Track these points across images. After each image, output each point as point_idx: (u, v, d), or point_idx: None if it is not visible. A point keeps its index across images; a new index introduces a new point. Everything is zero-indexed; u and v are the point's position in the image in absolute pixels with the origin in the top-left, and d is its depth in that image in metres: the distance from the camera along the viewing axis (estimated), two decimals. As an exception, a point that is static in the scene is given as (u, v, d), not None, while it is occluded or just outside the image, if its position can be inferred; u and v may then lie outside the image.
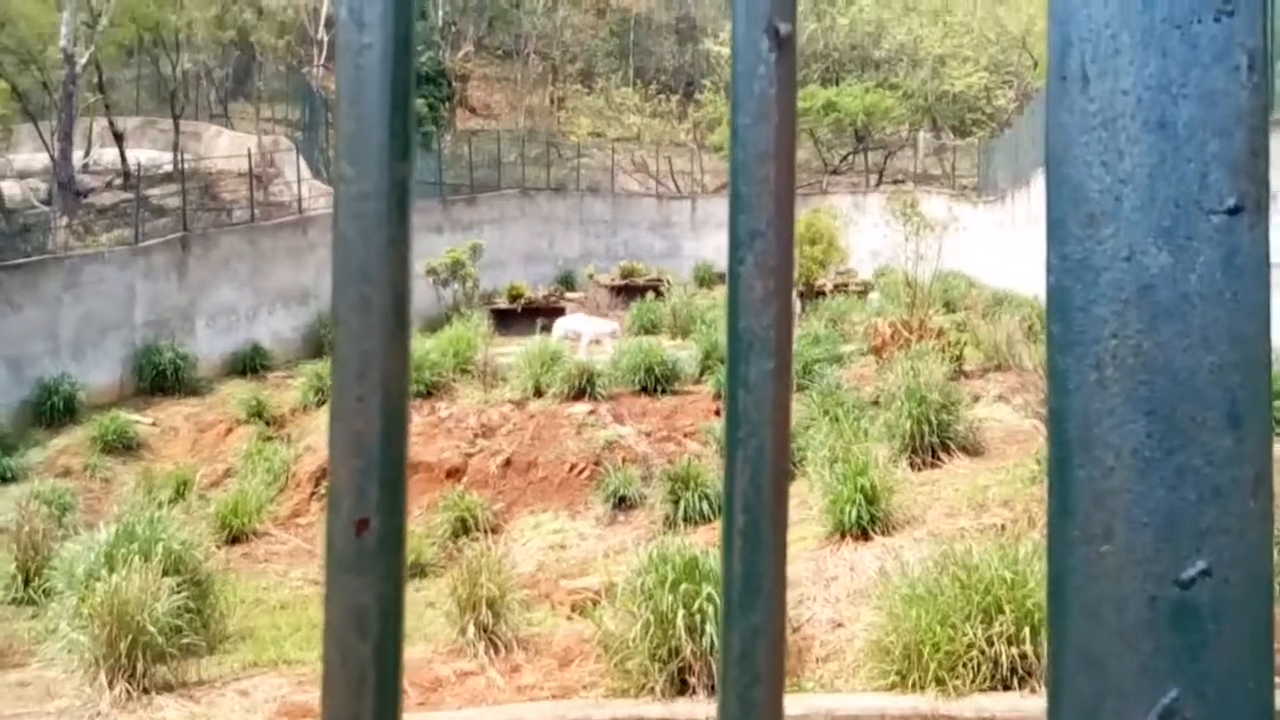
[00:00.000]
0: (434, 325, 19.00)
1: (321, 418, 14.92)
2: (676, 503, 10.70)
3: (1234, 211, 0.55)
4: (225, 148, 27.69)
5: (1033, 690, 6.42)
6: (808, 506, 9.86)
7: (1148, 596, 0.54)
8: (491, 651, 7.71)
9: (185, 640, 7.29)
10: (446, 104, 32.38)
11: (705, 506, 10.60)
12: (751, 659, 0.54)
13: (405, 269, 0.54)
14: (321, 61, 33.90)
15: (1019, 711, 6.36)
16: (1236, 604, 0.54)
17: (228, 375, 19.22)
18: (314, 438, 14.24)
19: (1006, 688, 6.46)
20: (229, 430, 15.91)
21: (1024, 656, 6.43)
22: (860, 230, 25.33)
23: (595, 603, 8.32)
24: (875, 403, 11.88)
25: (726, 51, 36.06)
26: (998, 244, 23.77)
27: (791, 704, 6.64)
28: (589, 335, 16.32)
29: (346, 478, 0.53)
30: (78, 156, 24.61)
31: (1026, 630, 6.45)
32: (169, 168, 25.40)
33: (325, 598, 0.54)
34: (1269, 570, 0.55)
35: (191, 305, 19.78)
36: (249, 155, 23.73)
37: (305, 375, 17.09)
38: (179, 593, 7.40)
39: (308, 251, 22.14)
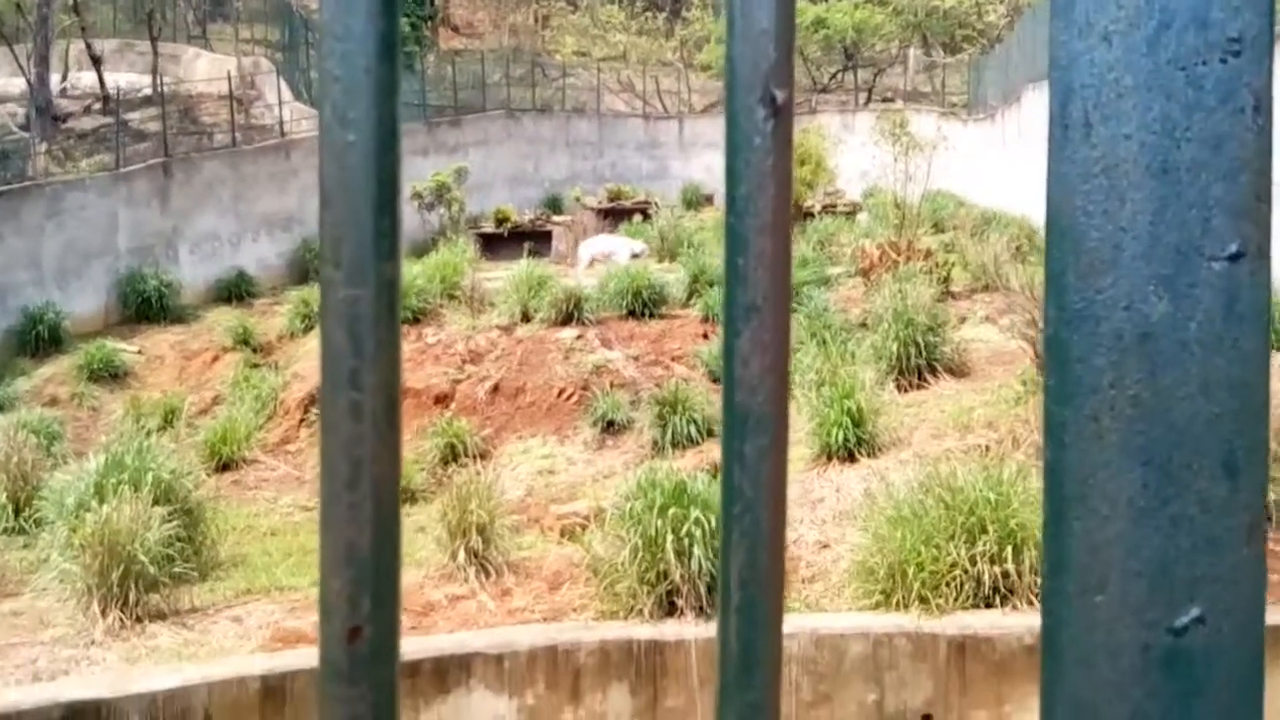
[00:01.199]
0: (420, 250, 18.87)
1: (310, 344, 14.90)
2: (665, 426, 10.76)
3: (1235, 258, 0.54)
4: (205, 70, 27.20)
5: (1014, 608, 6.53)
6: (794, 429, 9.91)
7: (1141, 644, 0.55)
8: (482, 576, 7.79)
9: (177, 568, 7.35)
10: (429, 23, 31.82)
11: (693, 430, 10.66)
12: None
13: (396, 371, 0.53)
14: (300, -21, 33.21)
15: (1000, 628, 6.47)
16: (1228, 651, 0.54)
17: (213, 302, 19.12)
18: (302, 364, 14.23)
19: (988, 605, 6.57)
20: (215, 358, 15.87)
21: (1006, 575, 6.53)
22: (849, 150, 25.11)
23: (584, 527, 8.40)
24: (863, 325, 11.90)
25: (713, -33, 35.41)
26: (987, 162, 23.62)
27: (778, 624, 6.75)
28: (623, 254, 16.43)
29: (339, 588, 0.52)
30: (55, 81, 24.15)
31: (1009, 549, 6.54)
32: (148, 91, 24.96)
33: (320, 707, 0.54)
34: (1260, 618, 0.55)
35: (175, 232, 19.60)
36: (229, 78, 23.34)
37: (291, 301, 17.01)
38: (170, 521, 7.43)
39: (291, 176, 21.89)
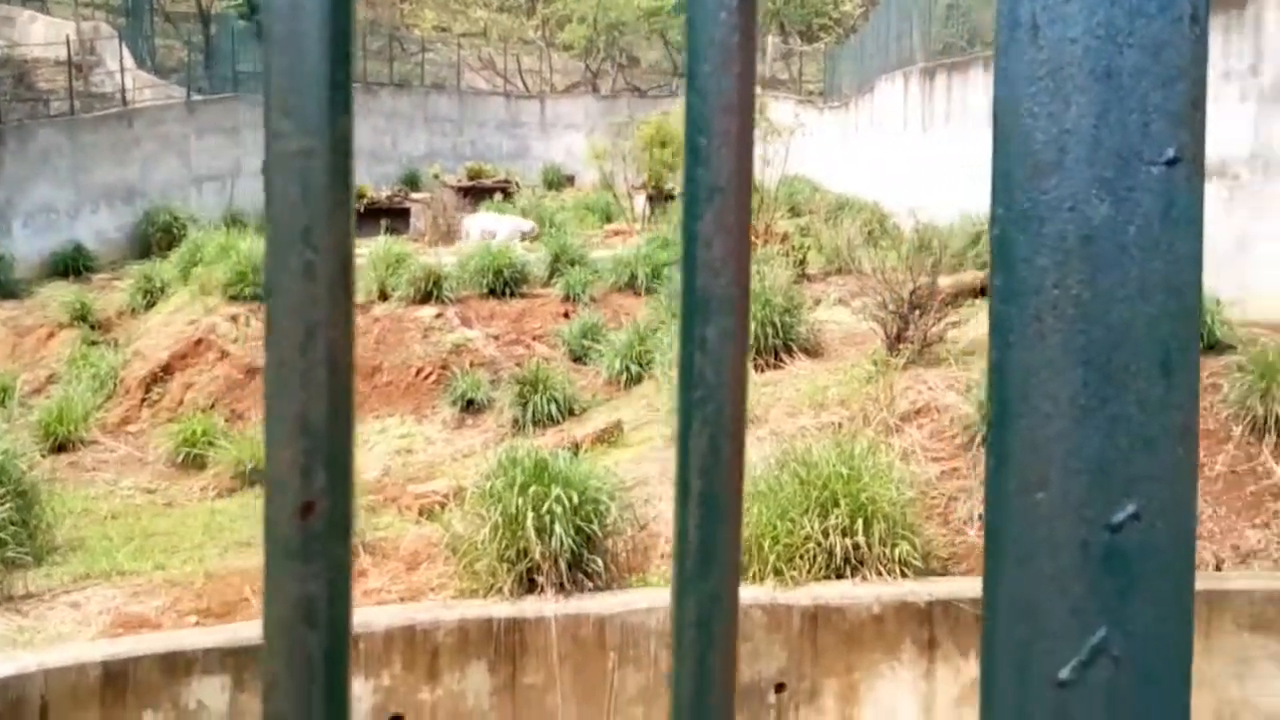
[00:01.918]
0: (272, 226, 18.26)
1: (152, 320, 14.31)
2: (525, 406, 10.70)
3: (1172, 163, 0.55)
4: (41, 34, 25.72)
5: (864, 578, 6.73)
6: (655, 408, 10.00)
7: (1080, 541, 0.56)
8: (337, 556, 7.62)
9: (9, 553, 6.98)
10: (281, -8, 30.71)
11: (554, 409, 10.63)
12: (706, 628, 0.54)
13: (349, 232, 0.50)
14: (143, -59, 31.70)
15: (851, 598, 6.67)
16: (1162, 548, 0.56)
17: (48, 277, 18.17)
18: (143, 342, 13.66)
19: (839, 576, 6.76)
20: (51, 335, 15.09)
21: (857, 547, 6.73)
22: (709, 134, 25.35)
23: (443, 506, 8.31)
24: (721, 305, 12.04)
25: (576, -54, 35.23)
26: (842, 149, 24.19)
27: (637, 598, 6.81)
28: (505, 234, 16.23)
29: (290, 459, 0.49)
30: None
31: (860, 522, 6.74)
32: (-24, 53, 23.50)
33: (266, 588, 0.51)
34: (1193, 516, 0.57)
35: (7, 203, 18.53)
36: (68, 43, 22.14)
37: (133, 277, 16.29)
38: (1, 504, 7.05)
39: (133, 146, 20.94)
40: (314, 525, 0.50)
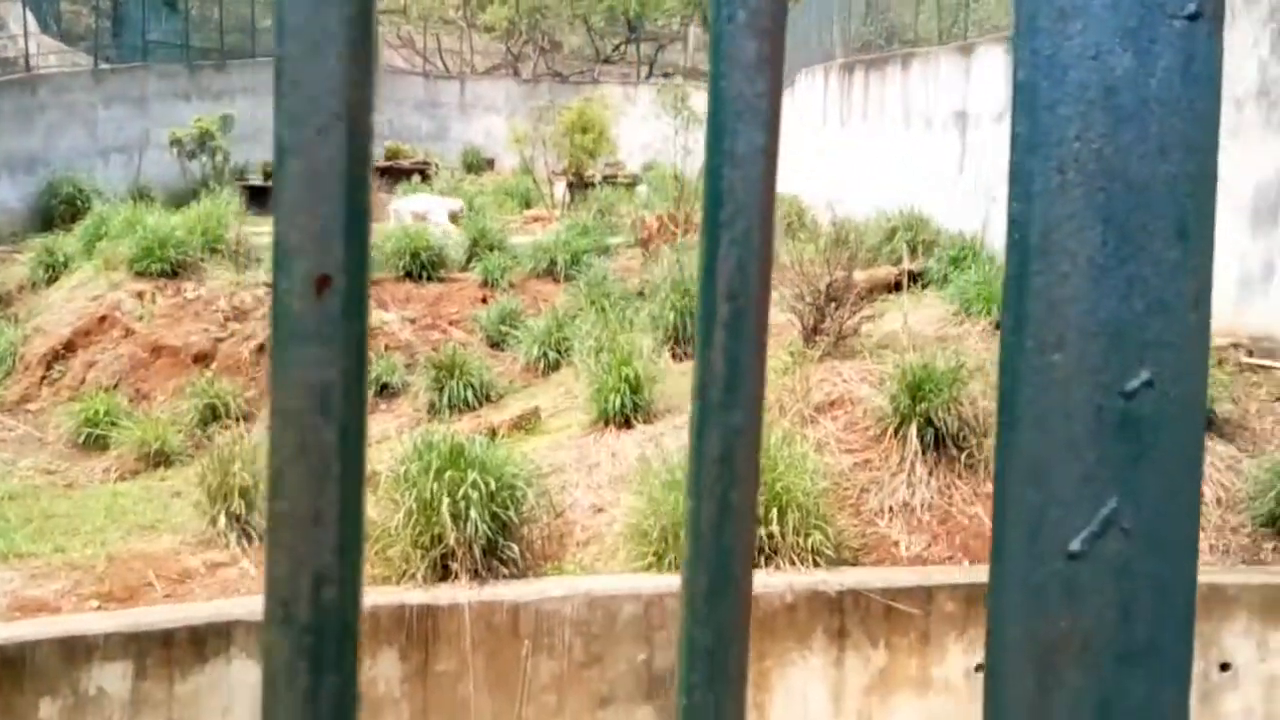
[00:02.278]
0: (180, 200, 17.80)
1: (54, 295, 13.84)
2: (441, 391, 10.60)
3: (1193, 17, 0.55)
4: (-66, -8, 24.67)
5: (777, 567, 6.81)
6: (573, 395, 9.98)
7: (1094, 406, 0.55)
8: (245, 542, 7.48)
9: (-103, 534, 6.72)
10: (195, -39, 29.91)
11: (470, 395, 10.55)
12: (730, 461, 0.52)
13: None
14: (49, -98, 30.56)
15: (764, 586, 6.74)
16: (1174, 417, 0.55)
17: (-58, 247, 17.45)
18: (44, 318, 13.20)
19: (754, 565, 6.83)
20: (-55, 308, 14.51)
21: (771, 536, 6.80)
22: (630, 122, 25.37)
23: (355, 490, 8.19)
24: (641, 294, 12.07)
25: (499, -73, 34.87)
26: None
27: (552, 586, 6.80)
28: (436, 215, 16.02)
29: (303, 225, 0.46)
30: None
31: (774, 512, 6.82)
32: None
33: (274, 376, 0.47)
34: (1204, 387, 0.57)
35: (-104, 168, 17.76)
36: (-37, 2, 21.25)
37: (34, 250, 15.71)
38: (-111, 484, 6.78)
39: (37, 113, 20.19)
40: (330, 303, 0.47)
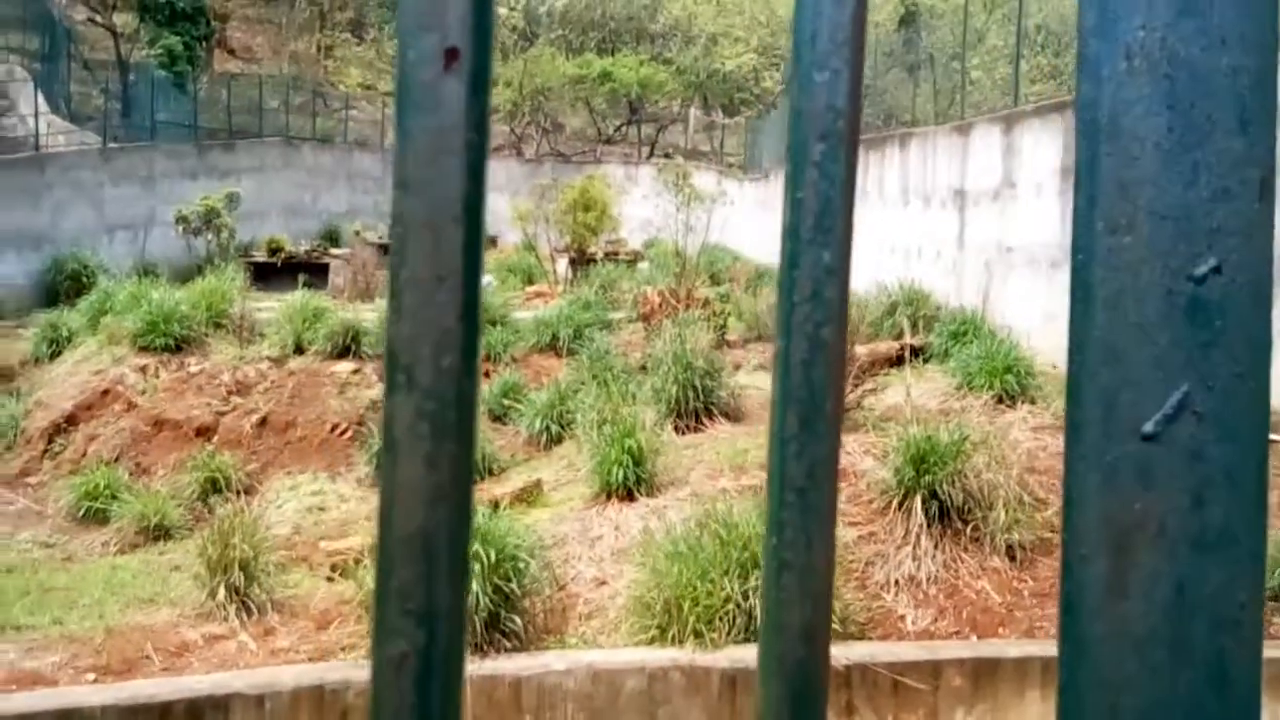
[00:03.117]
0: (184, 277, 17.93)
1: (57, 370, 13.87)
2: (442, 464, 10.55)
3: None
4: (-51, 75, 25.13)
5: (784, 641, 6.72)
6: (575, 468, 9.95)
7: (1165, 290, 0.57)
8: (244, 615, 7.40)
9: (-107, 606, 6.64)
10: (204, 43, 30.54)
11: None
12: (820, 298, 0.54)
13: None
14: (63, -13, 31.26)
15: (771, 662, 6.65)
16: (1241, 304, 0.57)
17: (-53, 323, 17.53)
18: (46, 392, 13.21)
19: (759, 639, 6.74)
20: (-52, 382, 14.53)
21: (777, 610, 6.72)
22: (632, 200, 25.68)
23: (357, 563, 8.12)
24: (643, 368, 12.10)
25: (503, 12, 35.66)
26: (761, 221, 24.63)
27: (554, 660, 6.71)
28: None
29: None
30: None
31: (780, 585, 6.74)
32: (-120, 91, 22.84)
33: (399, 136, 0.49)
34: (1269, 274, 0.58)
35: (-95, 244, 17.92)
36: (-23, 83, 21.63)
37: (38, 325, 15.79)
38: (-114, 555, 6.72)
39: (44, 192, 20.45)
40: (457, 75, 0.49)
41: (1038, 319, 11.47)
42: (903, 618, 7.31)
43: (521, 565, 6.96)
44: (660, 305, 14.13)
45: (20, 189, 20.00)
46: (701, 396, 10.56)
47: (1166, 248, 0.57)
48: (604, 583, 7.63)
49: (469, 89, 0.50)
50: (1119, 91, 0.57)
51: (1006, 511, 7.66)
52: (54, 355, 14.65)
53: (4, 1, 29.79)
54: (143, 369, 13.03)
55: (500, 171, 32.09)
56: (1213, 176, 0.57)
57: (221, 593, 7.45)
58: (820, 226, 0.55)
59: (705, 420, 10.52)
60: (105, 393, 12.67)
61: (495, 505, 8.53)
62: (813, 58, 0.55)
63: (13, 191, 19.83)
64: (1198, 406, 0.56)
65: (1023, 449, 8.54)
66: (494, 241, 27.99)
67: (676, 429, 10.31)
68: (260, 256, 21.95)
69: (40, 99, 23.08)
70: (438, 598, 0.50)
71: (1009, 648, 6.86)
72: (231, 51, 36.69)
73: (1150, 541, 0.57)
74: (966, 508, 7.81)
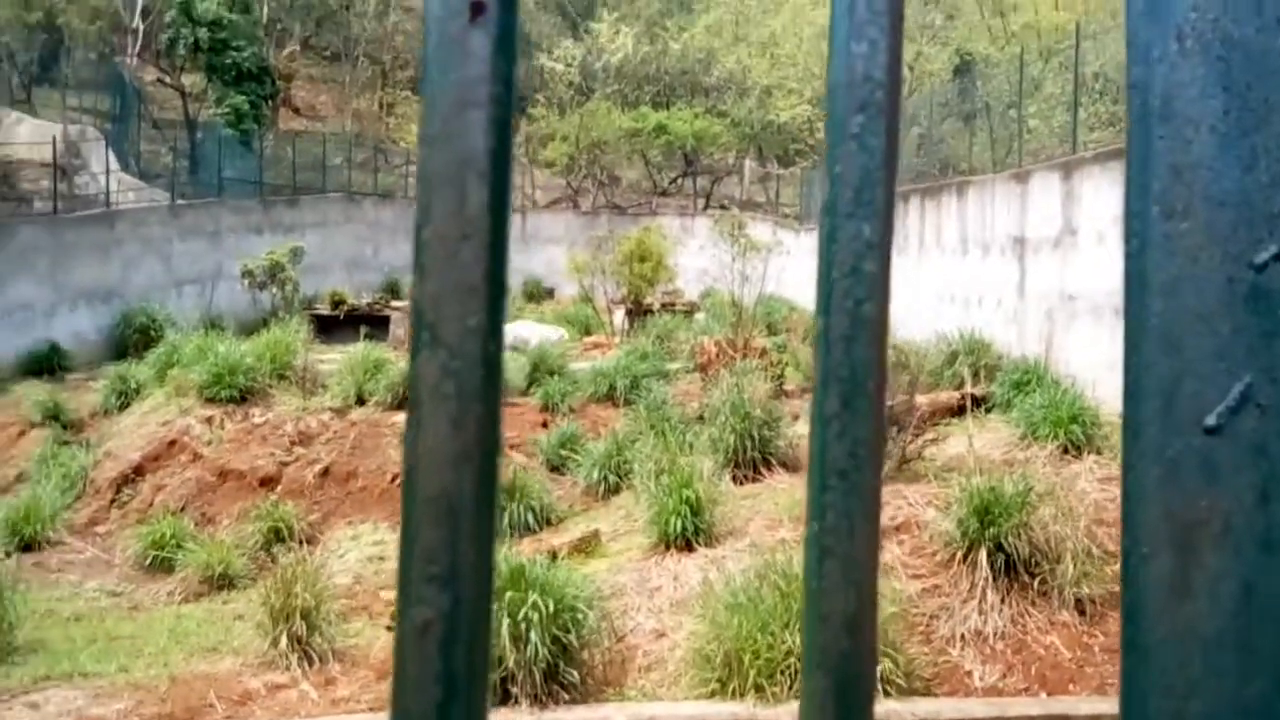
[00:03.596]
0: (249, 330, 18.29)
1: (125, 421, 14.17)
2: (502, 514, 10.60)
3: None
4: (27, 135, 26.02)
5: (847, 696, 6.61)
6: (633, 518, 9.93)
7: (1225, 277, 0.55)
8: (305, 664, 7.45)
9: (-32, 652, 6.78)
10: (269, 102, 31.37)
11: (531, 518, 10.54)
12: (860, 274, 0.53)
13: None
14: (135, 51, 32.35)
15: (833, 717, 6.54)
16: None
17: (22, 375, 17.99)
18: (115, 442, 13.49)
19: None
20: (22, 433, 14.88)
21: (839, 663, 6.62)
22: (688, 252, 25.79)
23: (416, 613, 8.14)
24: (700, 418, 12.08)
25: (560, 68, 36.24)
26: (814, 271, 24.52)
27: (614, 712, 6.66)
28: (536, 342, 16.43)
29: None
30: None
31: (842, 637, 6.65)
32: (-38, 153, 23.71)
33: (424, 85, 0.50)
34: None
35: (-17, 299, 18.48)
36: (53, 144, 22.38)
37: (108, 378, 16.17)
38: (-38, 602, 6.87)
39: (114, 247, 21.02)
40: (482, 28, 0.49)
41: (1102, 368, 11.29)
42: (969, 673, 7.16)
43: (580, 616, 6.93)
44: (717, 355, 14.13)
45: (92, 245, 20.58)
46: (759, 446, 10.51)
47: (1225, 234, 0.55)
48: (663, 634, 7.57)
49: (495, 42, 0.50)
50: (1171, 74, 0.56)
51: (1075, 564, 7.51)
52: (123, 407, 14.98)
53: (79, 65, 30.88)
54: (208, 420, 13.27)
55: (557, 224, 32.44)
56: (1272, 161, 0.55)
57: (284, 641, 7.51)
58: (859, 200, 0.53)
59: (763, 470, 10.46)
60: (172, 443, 12.91)
61: (553, 555, 8.52)
62: (850, 28, 0.54)
63: (85, 247, 20.40)
64: (1262, 399, 0.54)
65: (1090, 500, 8.37)
66: (551, 293, 28.24)
67: (734, 479, 10.26)
68: (323, 309, 22.33)
69: (111, 157, 23.81)
70: (462, 561, 0.49)
71: (1080, 704, 6.69)
72: (296, 110, 37.63)
73: (1215, 540, 0.54)
74: (1033, 560, 7.67)
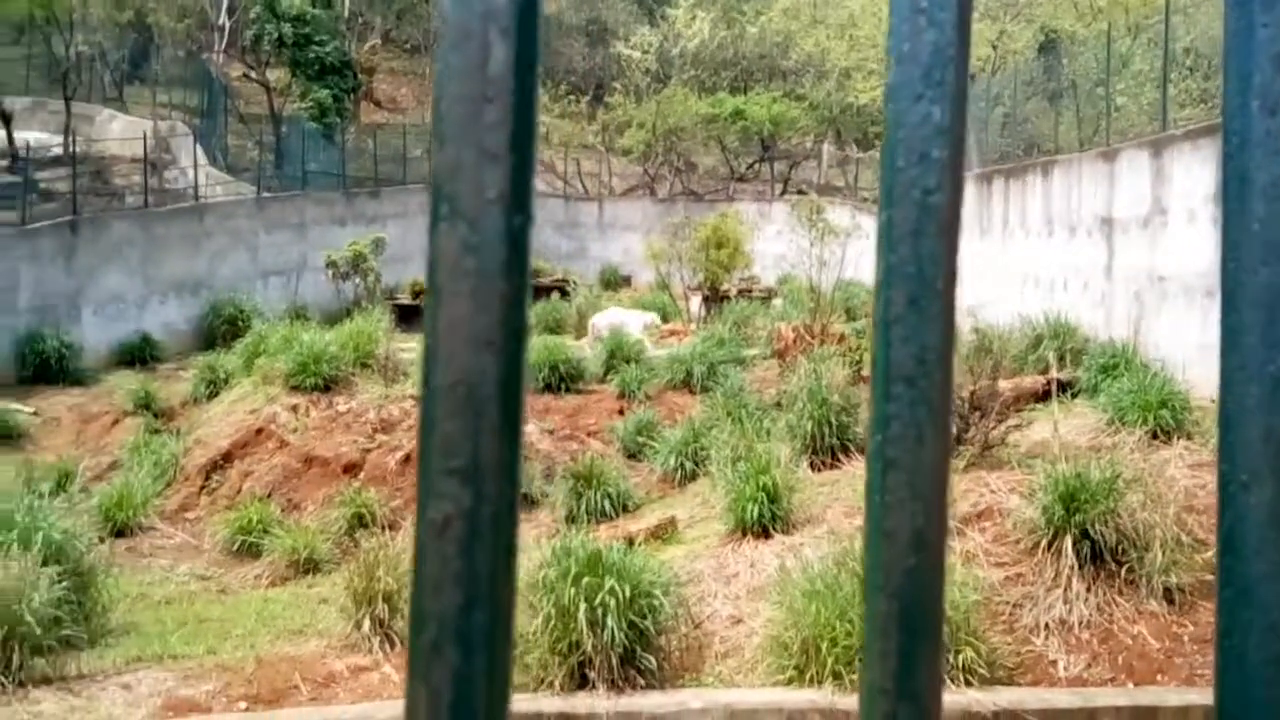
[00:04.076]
0: (333, 319, 18.61)
1: (214, 410, 14.52)
2: (579, 500, 10.65)
3: None
4: (119, 131, 26.80)
5: (927, 685, 6.52)
6: (709, 505, 9.90)
7: None
8: (387, 646, 7.56)
9: (65, 632, 7.00)
10: (351, 96, 31.83)
11: (607, 505, 10.56)
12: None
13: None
14: (221, 48, 33.07)
15: (913, 706, 6.45)
16: None
17: (115, 365, 18.57)
18: (204, 430, 13.84)
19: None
20: (115, 422, 15.36)
21: (919, 652, 6.53)
22: (765, 237, 25.61)
23: (495, 598, 8.22)
24: (777, 405, 11.99)
25: (637, 55, 36.19)
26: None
27: (690, 698, 6.65)
28: (635, 326, 16.67)
29: None
30: (-40, 136, 23.57)
31: (922, 626, 6.55)
32: (59, 150, 24.46)
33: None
34: None
35: (79, 292, 19.08)
36: (144, 139, 23.00)
37: (197, 367, 16.59)
38: (59, 584, 7.09)
39: (203, 239, 21.55)
40: None
41: (1193, 350, 10.96)
42: (1054, 663, 7.01)
43: (656, 602, 6.93)
44: (794, 341, 14.01)
45: (181, 237, 21.12)
46: (837, 433, 10.40)
47: None
48: (740, 621, 7.54)
49: None
50: None
51: (1164, 553, 7.30)
52: (211, 395, 15.36)
53: (167, 62, 31.66)
54: (294, 408, 13.53)
55: (634, 212, 32.44)
56: None
57: (366, 624, 7.63)
58: (929, 80, 0.49)
59: (841, 457, 10.35)
60: (259, 431, 13.19)
61: (630, 541, 8.53)
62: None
63: (174, 240, 20.95)
64: None
65: (1180, 487, 8.13)
66: (628, 281, 28.25)
67: (812, 466, 10.17)
68: (404, 299, 22.63)
69: (199, 152, 24.39)
70: (484, 453, 0.45)
71: (1169, 695, 6.52)
72: (377, 103, 38.13)
73: None
74: (1120, 548, 7.47)
